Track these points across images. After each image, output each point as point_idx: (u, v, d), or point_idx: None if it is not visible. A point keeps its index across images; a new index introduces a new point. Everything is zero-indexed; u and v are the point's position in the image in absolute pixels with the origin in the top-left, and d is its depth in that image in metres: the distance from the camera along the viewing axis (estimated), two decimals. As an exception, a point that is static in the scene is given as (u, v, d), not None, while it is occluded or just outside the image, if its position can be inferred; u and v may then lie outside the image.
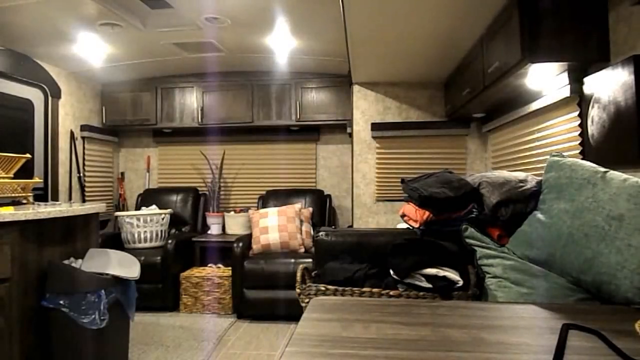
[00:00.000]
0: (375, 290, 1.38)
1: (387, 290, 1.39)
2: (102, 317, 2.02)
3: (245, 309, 3.42)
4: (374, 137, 3.98)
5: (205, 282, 3.58)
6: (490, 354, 0.64)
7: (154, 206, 4.09)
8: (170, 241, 3.69)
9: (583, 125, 2.09)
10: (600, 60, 1.94)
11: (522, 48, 2.02)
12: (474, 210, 1.83)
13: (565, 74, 2.19)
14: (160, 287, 3.56)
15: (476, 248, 1.64)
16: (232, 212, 4.23)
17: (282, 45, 3.63)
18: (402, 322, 0.80)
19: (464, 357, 0.63)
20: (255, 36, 3.45)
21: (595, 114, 1.94)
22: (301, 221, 3.81)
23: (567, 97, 2.21)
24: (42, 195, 3.45)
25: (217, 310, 3.58)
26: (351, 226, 4.06)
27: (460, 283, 1.45)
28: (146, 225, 3.74)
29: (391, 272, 1.49)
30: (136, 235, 3.71)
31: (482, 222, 1.77)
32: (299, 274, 1.56)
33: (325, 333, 0.74)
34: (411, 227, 2.03)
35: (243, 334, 3.09)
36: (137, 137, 4.74)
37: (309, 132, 4.57)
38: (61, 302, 1.97)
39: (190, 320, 3.39)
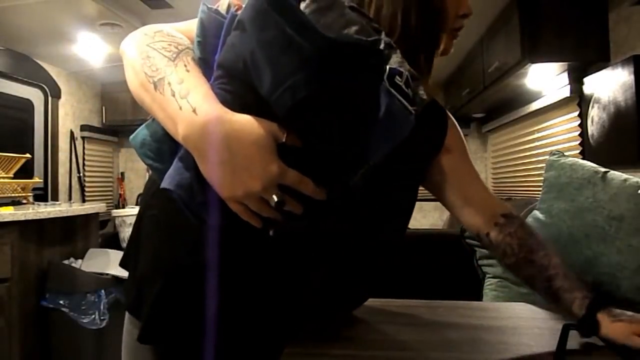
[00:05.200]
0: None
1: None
2: (102, 317, 2.02)
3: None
4: (374, 137, 3.98)
5: (205, 282, 3.57)
6: (491, 354, 0.64)
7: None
8: (170, 241, 3.68)
9: (583, 125, 2.09)
10: (600, 60, 1.94)
11: (522, 48, 2.02)
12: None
13: (565, 74, 2.19)
14: (160, 287, 3.56)
15: (476, 248, 1.64)
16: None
17: (282, 45, 3.62)
18: (402, 323, 0.80)
19: (464, 357, 0.63)
20: (255, 36, 3.44)
21: (595, 114, 1.94)
22: (301, 221, 3.80)
23: (567, 97, 2.21)
24: (42, 195, 3.44)
25: (217, 310, 3.58)
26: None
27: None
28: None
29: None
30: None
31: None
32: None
33: (324, 333, 0.73)
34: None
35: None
36: (137, 137, 4.74)
37: (309, 132, 4.56)
38: (61, 302, 1.97)
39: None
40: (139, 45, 0.58)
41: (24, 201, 2.55)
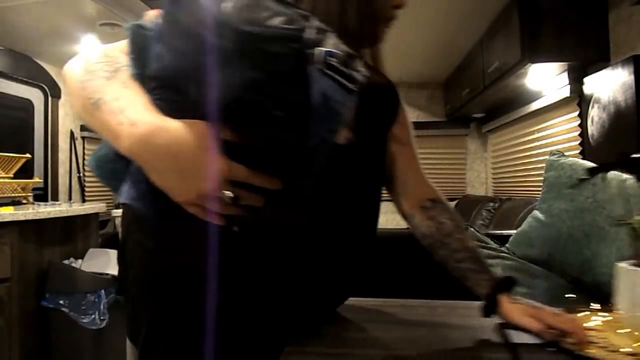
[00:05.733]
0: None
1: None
2: (102, 317, 2.02)
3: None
4: (374, 137, 3.98)
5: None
6: (491, 353, 0.64)
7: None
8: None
9: (583, 125, 2.09)
10: (600, 60, 1.94)
11: (522, 48, 2.03)
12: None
13: (565, 74, 2.19)
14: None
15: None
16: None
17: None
18: (400, 322, 0.80)
19: (462, 355, 0.63)
20: (255, 36, 3.44)
21: (595, 114, 1.94)
22: (301, 221, 3.81)
23: (567, 97, 2.22)
24: (42, 195, 3.44)
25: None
26: (351, 226, 4.06)
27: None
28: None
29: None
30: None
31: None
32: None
33: (322, 333, 0.74)
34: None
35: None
36: (137, 137, 4.73)
37: (309, 132, 4.56)
38: (61, 302, 1.97)
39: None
40: (78, 69, 0.59)
41: (24, 201, 2.55)
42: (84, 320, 1.97)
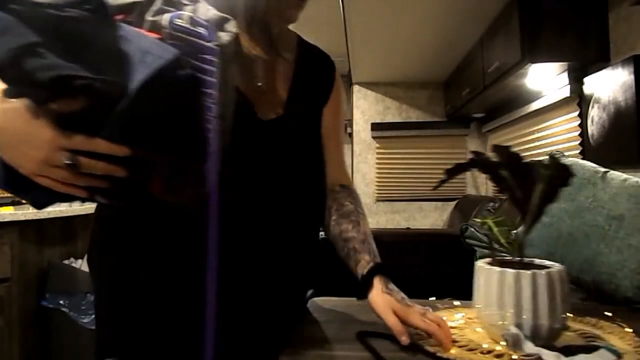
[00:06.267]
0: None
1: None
2: (102, 317, 2.02)
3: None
4: (373, 137, 3.98)
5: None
6: (488, 355, 0.64)
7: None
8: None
9: (583, 125, 2.09)
10: (600, 60, 1.94)
11: (522, 48, 2.02)
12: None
13: (565, 74, 2.19)
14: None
15: (476, 248, 1.64)
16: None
17: (282, 45, 3.62)
18: None
19: (461, 356, 0.63)
20: (255, 36, 3.44)
21: (595, 114, 1.94)
22: (301, 221, 3.81)
23: (567, 97, 2.21)
24: (42, 195, 3.44)
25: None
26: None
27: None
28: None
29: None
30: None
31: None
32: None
33: (321, 335, 0.74)
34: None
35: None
36: (137, 137, 4.73)
37: (309, 132, 4.56)
38: (61, 302, 1.97)
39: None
40: None
41: (24, 201, 2.55)
42: (84, 320, 1.97)
